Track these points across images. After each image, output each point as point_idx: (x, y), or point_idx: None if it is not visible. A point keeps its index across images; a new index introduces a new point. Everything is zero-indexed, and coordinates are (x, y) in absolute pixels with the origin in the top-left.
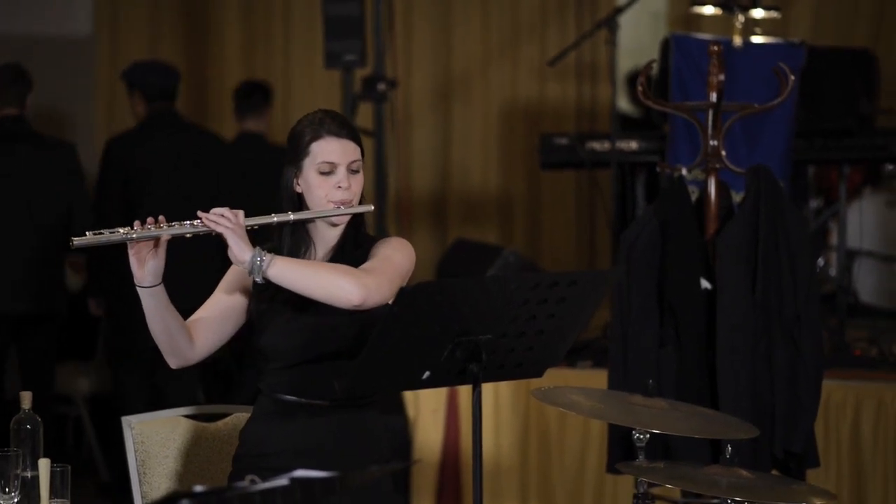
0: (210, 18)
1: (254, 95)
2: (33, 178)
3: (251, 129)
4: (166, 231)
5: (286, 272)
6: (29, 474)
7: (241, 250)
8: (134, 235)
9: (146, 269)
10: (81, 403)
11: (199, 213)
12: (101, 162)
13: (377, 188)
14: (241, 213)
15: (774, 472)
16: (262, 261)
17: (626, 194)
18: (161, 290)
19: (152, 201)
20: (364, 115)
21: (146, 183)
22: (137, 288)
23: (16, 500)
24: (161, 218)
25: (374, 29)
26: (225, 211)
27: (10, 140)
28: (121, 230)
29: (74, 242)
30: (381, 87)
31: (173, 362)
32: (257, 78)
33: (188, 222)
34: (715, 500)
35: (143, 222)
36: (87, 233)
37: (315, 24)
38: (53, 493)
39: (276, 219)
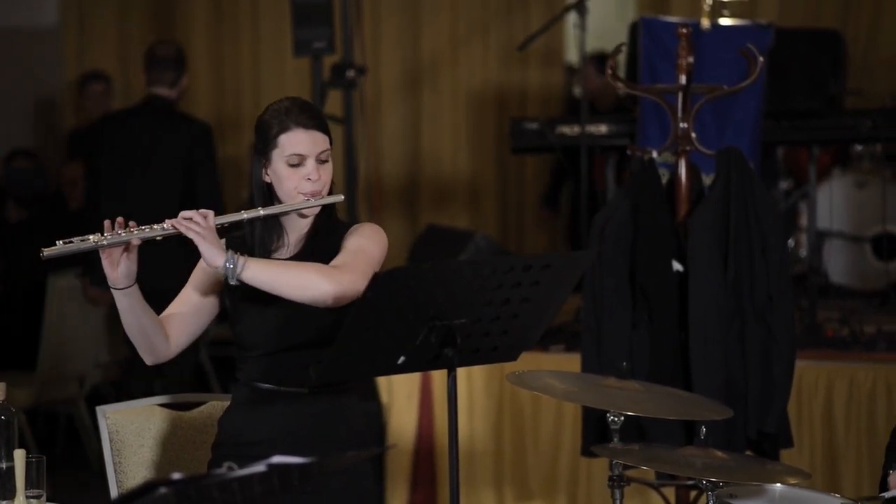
0: (178, 8)
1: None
2: None
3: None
4: (136, 235)
5: (260, 275)
6: (4, 465)
7: (213, 256)
8: (105, 242)
9: (119, 271)
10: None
11: (168, 220)
12: None
13: (347, 175)
14: (210, 213)
15: (749, 452)
16: (234, 266)
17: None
18: (135, 290)
19: None
20: (333, 103)
21: None
22: (111, 290)
23: None
24: (132, 223)
25: (342, 16)
26: (194, 214)
27: None
28: (91, 237)
29: (45, 253)
30: (350, 73)
31: (149, 359)
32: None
33: (158, 226)
34: (690, 481)
35: (113, 226)
36: (57, 242)
37: (283, 12)
38: (29, 483)
39: (245, 216)
